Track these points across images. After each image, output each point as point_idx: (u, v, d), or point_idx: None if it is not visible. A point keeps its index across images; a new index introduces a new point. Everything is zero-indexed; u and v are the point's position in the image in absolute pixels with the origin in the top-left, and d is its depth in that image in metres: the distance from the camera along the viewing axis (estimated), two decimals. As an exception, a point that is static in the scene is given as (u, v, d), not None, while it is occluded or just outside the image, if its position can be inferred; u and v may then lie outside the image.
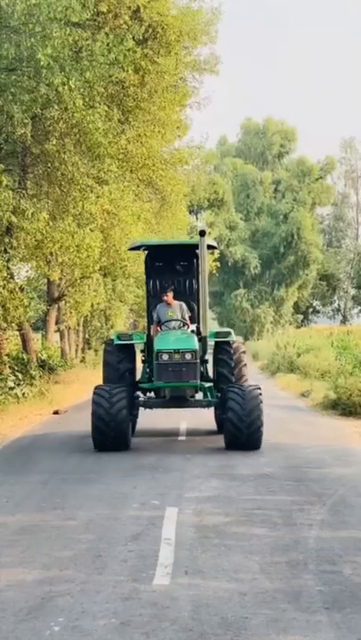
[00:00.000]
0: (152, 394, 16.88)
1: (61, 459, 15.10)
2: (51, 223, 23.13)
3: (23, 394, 24.16)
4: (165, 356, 15.46)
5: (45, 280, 33.06)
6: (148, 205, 29.08)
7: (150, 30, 22.17)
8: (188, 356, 15.43)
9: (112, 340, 17.54)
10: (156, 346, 15.69)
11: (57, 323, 36.51)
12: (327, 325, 73.08)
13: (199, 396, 16.71)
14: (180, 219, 37.59)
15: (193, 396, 16.14)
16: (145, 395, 16.99)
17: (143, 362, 17.33)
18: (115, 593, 7.38)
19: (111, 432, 15.39)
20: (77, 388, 30.44)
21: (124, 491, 11.96)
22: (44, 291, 36.16)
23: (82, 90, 18.91)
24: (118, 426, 15.39)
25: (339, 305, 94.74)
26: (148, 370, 17.01)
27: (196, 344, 15.64)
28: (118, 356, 16.98)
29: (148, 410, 17.35)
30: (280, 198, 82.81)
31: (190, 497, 11.45)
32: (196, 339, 15.86)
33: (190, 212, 64.79)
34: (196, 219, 72.20)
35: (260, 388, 15.95)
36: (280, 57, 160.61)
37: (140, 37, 21.52)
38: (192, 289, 17.61)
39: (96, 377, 36.95)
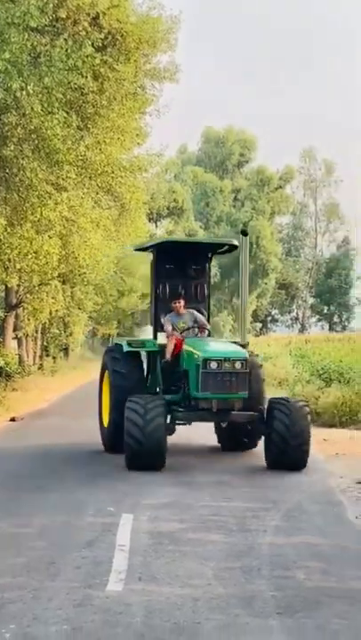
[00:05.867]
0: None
1: (17, 466, 14.96)
2: (9, 229, 23.00)
3: (-21, 401, 23.97)
4: (214, 365, 14.19)
5: (3, 286, 32.86)
6: (108, 213, 29.00)
7: (109, 37, 22.11)
8: (238, 365, 14.25)
9: (120, 345, 16.08)
10: (203, 353, 14.35)
11: (15, 329, 36.27)
12: (286, 334, 73.57)
13: None
14: (140, 226, 37.49)
15: (238, 409, 14.46)
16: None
17: (161, 370, 15.68)
18: (67, 599, 7.33)
19: (146, 451, 13.68)
20: (35, 395, 30.28)
21: (79, 498, 11.88)
22: (1, 297, 35.94)
23: (40, 95, 18.86)
24: (154, 444, 13.69)
25: (297, 314, 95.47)
26: (161, 380, 15.60)
27: (246, 353, 14.63)
28: (128, 365, 15.63)
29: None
30: (240, 207, 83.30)
31: (146, 504, 11.41)
32: (241, 347, 14.93)
33: (150, 220, 64.82)
34: (156, 227, 72.33)
35: (307, 404, 15.12)
36: (241, 64, 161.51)
37: (100, 44, 21.45)
38: (203, 295, 16.60)
39: (54, 384, 36.88)
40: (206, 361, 14.16)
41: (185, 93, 63.82)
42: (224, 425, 15.92)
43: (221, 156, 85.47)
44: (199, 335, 15.55)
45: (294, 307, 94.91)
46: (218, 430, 16.77)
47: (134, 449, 13.71)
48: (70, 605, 7.16)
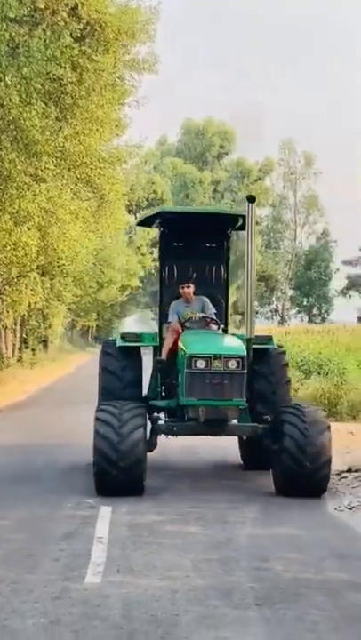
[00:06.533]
0: (161, 414, 12.63)
1: (-5, 458, 14.92)
2: (-14, 221, 22.92)
3: None
4: (202, 363, 11.54)
5: (-19, 278, 32.70)
6: (87, 204, 28.92)
7: (88, 28, 22.05)
8: (232, 364, 11.54)
9: (113, 340, 13.74)
10: (189, 349, 11.73)
11: (-7, 322, 36.14)
12: (265, 326, 73.67)
13: None
14: (119, 218, 37.44)
15: (235, 419, 12.00)
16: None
17: (160, 371, 13.00)
18: (45, 592, 7.30)
19: (120, 473, 11.11)
20: (14, 388, 30.19)
21: (58, 490, 11.86)
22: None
23: (18, 86, 18.78)
24: (131, 466, 11.16)
25: (277, 306, 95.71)
26: (162, 382, 13.00)
27: (243, 349, 11.78)
28: (122, 363, 12.98)
29: None
30: (219, 199, 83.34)
31: (125, 496, 11.38)
32: (242, 342, 12.06)
33: (129, 212, 64.78)
34: (135, 218, 72.24)
35: (325, 411, 12.73)
36: (221, 56, 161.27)
37: (78, 34, 21.40)
38: (219, 278, 13.78)
39: (33, 376, 36.76)
40: (192, 358, 11.57)
41: (165, 85, 63.81)
42: (245, 437, 13.09)
43: (201, 148, 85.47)
44: (205, 327, 12.73)
45: (274, 299, 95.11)
46: (240, 444, 13.97)
47: (104, 470, 11.22)
48: (48, 598, 7.13)
